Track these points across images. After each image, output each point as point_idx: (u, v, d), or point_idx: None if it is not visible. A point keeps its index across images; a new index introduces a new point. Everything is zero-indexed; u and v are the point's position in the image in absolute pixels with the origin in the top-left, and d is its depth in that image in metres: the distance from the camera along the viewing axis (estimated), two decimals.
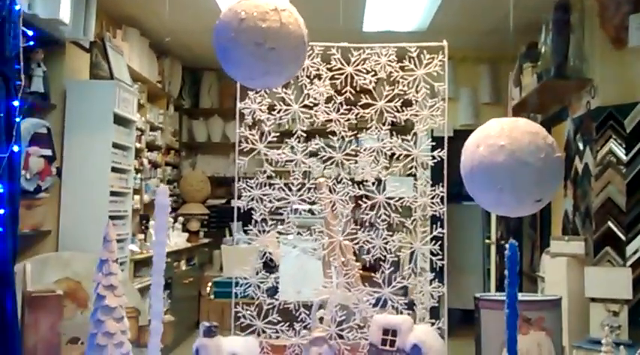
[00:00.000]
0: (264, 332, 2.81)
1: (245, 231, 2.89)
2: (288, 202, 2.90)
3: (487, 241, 7.02)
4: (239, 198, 2.93)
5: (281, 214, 2.92)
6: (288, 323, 2.83)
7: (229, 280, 5.48)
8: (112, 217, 5.46)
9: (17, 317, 2.58)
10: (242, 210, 2.96)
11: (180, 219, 7.51)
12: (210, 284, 5.53)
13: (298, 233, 2.93)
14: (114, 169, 5.26)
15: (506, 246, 1.95)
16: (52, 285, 3.54)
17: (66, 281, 4.21)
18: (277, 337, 2.81)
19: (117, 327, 2.41)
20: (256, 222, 2.91)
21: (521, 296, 3.67)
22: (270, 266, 6.04)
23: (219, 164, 8.66)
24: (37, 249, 4.55)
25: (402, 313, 2.63)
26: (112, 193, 5.32)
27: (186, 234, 7.54)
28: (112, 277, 2.45)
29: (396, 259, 2.79)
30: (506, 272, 1.93)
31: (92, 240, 5.19)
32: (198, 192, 8.08)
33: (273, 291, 3.04)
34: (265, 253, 5.97)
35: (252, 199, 2.90)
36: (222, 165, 8.65)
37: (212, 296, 5.48)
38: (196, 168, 8.69)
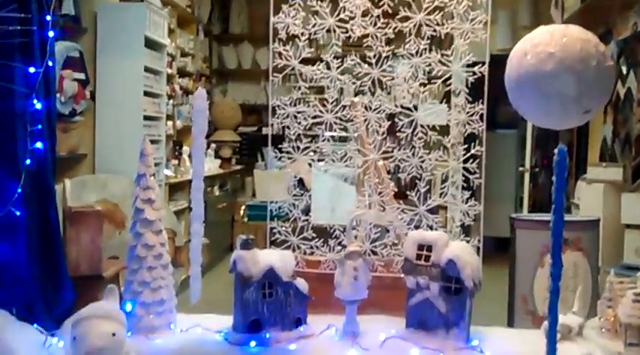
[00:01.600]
0: (298, 248, 2.85)
1: (278, 157, 2.87)
2: (323, 120, 2.86)
3: (521, 169, 6.94)
4: (273, 115, 2.90)
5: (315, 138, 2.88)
6: (322, 240, 2.86)
7: (262, 203, 5.59)
8: None
9: (60, 230, 2.65)
10: (275, 133, 2.93)
11: (213, 145, 7.56)
12: (243, 207, 5.63)
13: (332, 159, 2.90)
14: (146, 93, 5.27)
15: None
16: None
17: (104, 203, 4.31)
18: (312, 253, 2.85)
19: (156, 240, 2.47)
20: (290, 140, 2.89)
21: None
22: (301, 192, 6.12)
23: (249, 91, 8.62)
24: (74, 171, 4.64)
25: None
26: (146, 117, 5.35)
27: (219, 161, 7.61)
28: (150, 191, 2.48)
29: (431, 178, 2.76)
30: (553, 178, 1.86)
31: (127, 164, 5.27)
32: (229, 119, 8.08)
33: (306, 211, 3.06)
34: (297, 179, 6.01)
35: (287, 117, 2.86)
36: (253, 93, 8.61)
37: (246, 219, 5.60)
38: (227, 95, 8.68)
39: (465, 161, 2.74)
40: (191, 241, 2.24)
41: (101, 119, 5.10)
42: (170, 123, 6.36)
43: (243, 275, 2.33)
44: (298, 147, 2.89)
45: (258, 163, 6.11)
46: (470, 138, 2.83)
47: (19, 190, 2.50)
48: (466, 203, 2.69)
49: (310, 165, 5.98)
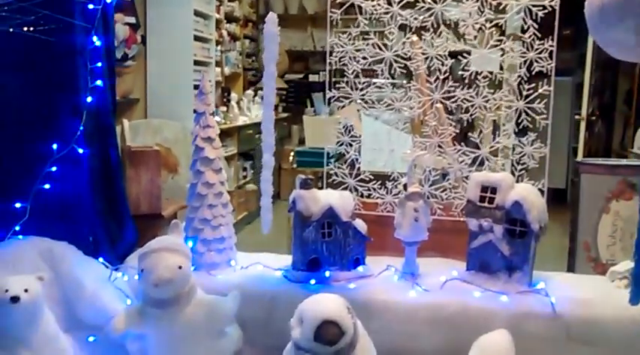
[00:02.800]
0: (355, 190, 2.81)
1: (333, 99, 2.81)
2: (382, 58, 2.76)
3: (577, 117, 6.68)
4: (330, 54, 2.82)
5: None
6: (379, 182, 2.82)
7: (311, 150, 5.57)
8: (196, 87, 5.54)
9: (121, 167, 2.68)
10: (322, 81, 2.86)
11: (260, 92, 7.52)
12: (292, 153, 5.61)
13: (390, 100, 2.81)
14: (196, 38, 5.24)
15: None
16: None
17: (157, 147, 4.36)
18: (369, 195, 2.81)
19: (216, 178, 2.47)
20: (346, 82, 2.81)
21: (625, 161, 3.50)
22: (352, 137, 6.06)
23: (296, 37, 8.48)
24: (127, 116, 4.69)
25: None
26: (196, 62, 5.34)
27: None
28: (210, 129, 2.47)
29: (495, 118, 2.65)
30: None
31: (179, 109, 5.32)
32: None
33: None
34: (346, 126, 5.93)
35: (345, 55, 2.78)
36: (300, 39, 8.48)
37: (295, 165, 5.59)
38: None
39: (531, 101, 2.61)
40: (262, 172, 2.21)
41: (152, 64, 5.11)
42: (218, 69, 6.33)
43: (302, 214, 2.32)
44: (356, 88, 2.81)
45: (308, 109, 6.04)
46: (537, 78, 2.69)
47: (81, 128, 2.53)
48: (531, 145, 2.58)
49: (359, 111, 5.90)
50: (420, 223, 2.33)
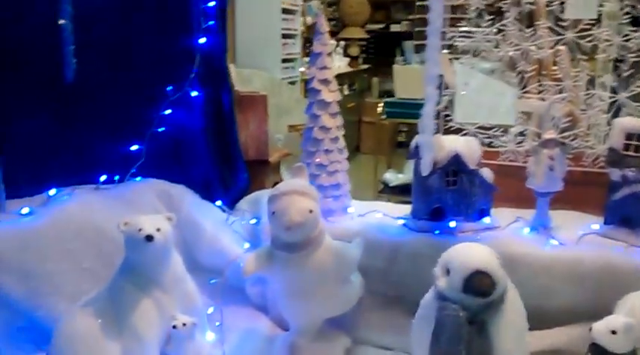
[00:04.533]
0: (475, 137, 2.64)
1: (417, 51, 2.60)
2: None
3: None
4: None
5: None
6: (502, 129, 2.64)
7: (401, 100, 5.39)
8: (284, 36, 5.44)
9: (233, 111, 2.63)
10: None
11: (342, 43, 7.35)
12: (381, 104, 5.46)
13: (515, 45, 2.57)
14: None
15: None
16: None
17: None
18: (490, 143, 2.64)
19: (333, 123, 2.37)
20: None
21: None
22: (440, 88, 5.82)
23: None
24: None
25: None
26: (283, 10, 5.23)
27: (347, 59, 7.42)
28: (327, 71, 2.35)
29: (637, 60, 2.40)
30: None
31: (267, 59, 5.25)
32: (357, 15, 7.78)
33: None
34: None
35: None
36: None
37: (384, 116, 5.45)
38: None
39: None
40: (425, 106, 1.95)
41: (240, 12, 5.04)
42: (301, 19, 6.19)
43: None
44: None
45: (397, 58, 5.85)
46: None
47: (195, 70, 2.48)
48: None
49: (451, 60, 5.63)
50: (555, 172, 2.16)
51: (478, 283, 1.54)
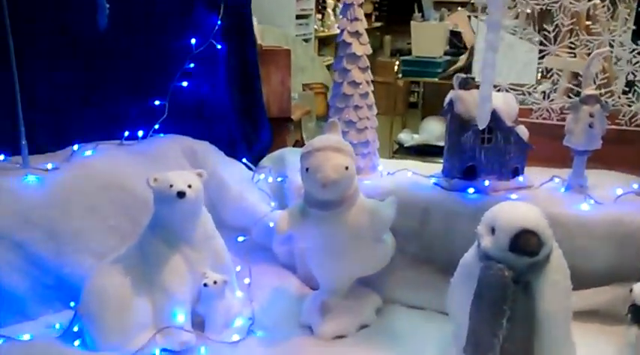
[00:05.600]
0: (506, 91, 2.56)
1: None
2: None
3: None
4: None
5: None
6: (534, 87, 2.56)
7: (418, 59, 5.26)
8: None
9: (258, 67, 2.54)
10: None
11: None
12: (397, 62, 5.33)
13: None
14: None
15: None
16: None
17: None
18: (522, 101, 2.56)
19: (363, 77, 2.29)
20: None
21: None
22: (457, 46, 5.67)
23: None
24: None
25: None
26: None
27: None
28: (358, 23, 2.25)
29: None
30: None
31: (280, 14, 5.11)
32: None
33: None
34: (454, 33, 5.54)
35: None
36: None
37: (400, 75, 5.33)
38: None
39: None
40: (485, 55, 1.75)
41: None
42: None
43: (461, 117, 2.12)
44: None
45: (415, 15, 5.65)
46: None
47: (219, 22, 2.38)
48: None
49: (470, 16, 5.49)
50: (594, 130, 2.08)
51: (525, 242, 1.48)
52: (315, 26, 5.85)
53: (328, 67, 6.05)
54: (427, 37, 5.06)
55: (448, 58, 5.30)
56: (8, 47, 1.99)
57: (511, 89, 2.56)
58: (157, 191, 1.78)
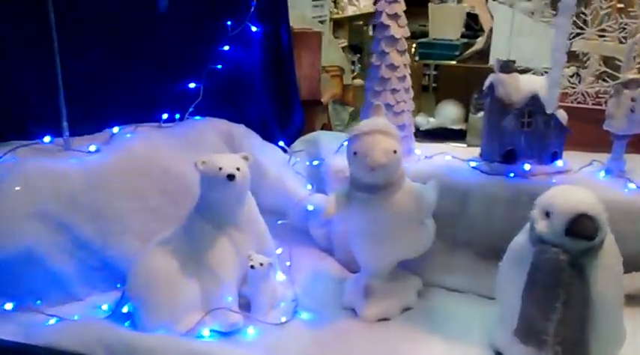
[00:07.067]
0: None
1: None
2: None
3: None
4: None
5: None
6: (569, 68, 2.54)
7: (436, 41, 5.24)
8: None
9: (292, 50, 2.52)
10: None
11: None
12: (415, 45, 5.31)
13: None
14: None
15: None
16: None
17: None
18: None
19: (401, 60, 2.28)
20: None
21: None
22: (473, 29, 5.65)
23: None
24: None
25: None
26: None
27: None
28: (397, 5, 2.24)
29: None
30: None
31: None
32: None
33: None
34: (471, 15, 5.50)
35: None
36: None
37: (417, 58, 5.31)
38: None
39: None
40: (555, 38, 1.73)
41: None
42: None
43: (503, 101, 2.11)
44: None
45: None
46: None
47: (254, 3, 2.36)
48: None
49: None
50: (636, 114, 2.08)
51: (582, 227, 1.49)
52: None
53: (343, 49, 6.02)
54: (445, 20, 5.05)
55: (465, 40, 5.28)
56: (50, 34, 1.97)
57: (545, 73, 2.54)
58: (205, 174, 1.79)
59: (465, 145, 3.61)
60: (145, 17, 2.21)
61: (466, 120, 4.84)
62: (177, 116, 2.33)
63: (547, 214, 1.56)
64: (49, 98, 2.09)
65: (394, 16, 2.25)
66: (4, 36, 2.05)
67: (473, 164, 2.23)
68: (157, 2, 1.89)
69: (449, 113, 4.98)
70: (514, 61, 2.16)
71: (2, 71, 2.09)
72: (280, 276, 2.05)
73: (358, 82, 6.72)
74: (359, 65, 6.66)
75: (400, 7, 2.25)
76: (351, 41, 6.30)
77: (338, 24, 5.90)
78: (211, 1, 2.33)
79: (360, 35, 6.53)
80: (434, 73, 6.40)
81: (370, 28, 7.02)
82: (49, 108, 2.11)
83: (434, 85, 6.41)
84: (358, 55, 6.64)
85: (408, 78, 2.33)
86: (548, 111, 1.91)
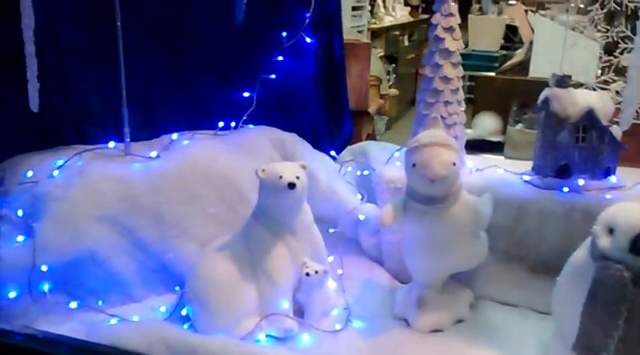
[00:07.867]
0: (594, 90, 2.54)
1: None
2: None
3: None
4: None
5: None
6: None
7: (475, 52, 5.23)
8: None
9: (344, 61, 2.56)
10: None
11: None
12: None
13: None
14: None
15: None
16: None
17: None
18: None
19: (454, 73, 2.29)
20: None
21: None
22: (512, 41, 5.63)
23: None
24: None
25: None
26: None
27: (408, 8, 7.21)
28: (452, 18, 2.26)
29: None
30: None
31: None
32: None
33: None
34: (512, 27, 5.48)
35: None
36: None
37: None
38: None
39: None
40: (634, 54, 1.71)
41: None
42: None
43: (558, 115, 2.12)
44: None
45: (473, 7, 5.64)
46: None
47: (308, 15, 2.40)
48: None
49: (527, 11, 5.41)
50: None
51: None
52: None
53: (379, 59, 6.05)
54: (485, 31, 5.04)
55: (504, 52, 5.26)
56: (115, 41, 2.04)
57: (598, 87, 2.54)
58: (266, 181, 1.82)
59: (503, 157, 3.61)
60: (206, 28, 2.27)
61: (504, 132, 4.81)
62: (233, 124, 2.37)
63: (610, 231, 1.56)
64: (110, 103, 2.16)
65: (449, 29, 2.27)
66: (70, 42, 2.12)
67: (526, 178, 2.23)
68: (234, 15, 1.93)
69: (486, 125, 4.95)
70: (570, 76, 2.16)
71: (66, 76, 2.16)
72: (332, 284, 2.07)
73: (393, 91, 6.75)
74: (394, 75, 6.67)
75: (455, 21, 2.27)
76: (387, 51, 6.32)
77: (375, 34, 5.92)
78: (268, 12, 2.37)
79: (395, 45, 6.55)
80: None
81: (406, 38, 7.04)
82: (109, 113, 2.17)
83: (469, 95, 6.40)
84: (393, 65, 6.66)
85: (461, 90, 2.35)
86: (622, 129, 1.91)
